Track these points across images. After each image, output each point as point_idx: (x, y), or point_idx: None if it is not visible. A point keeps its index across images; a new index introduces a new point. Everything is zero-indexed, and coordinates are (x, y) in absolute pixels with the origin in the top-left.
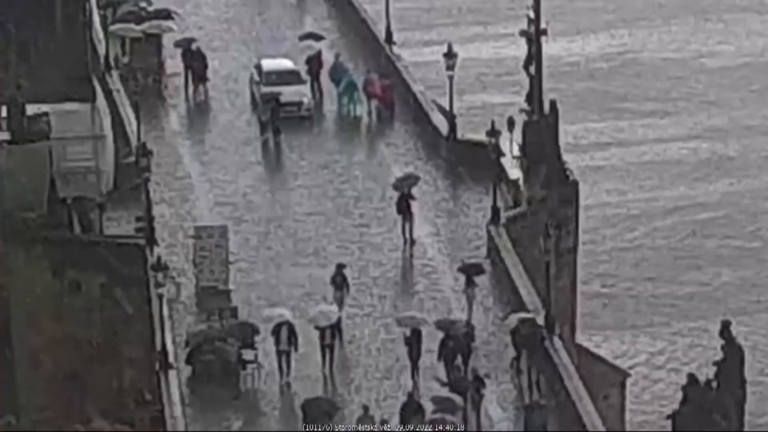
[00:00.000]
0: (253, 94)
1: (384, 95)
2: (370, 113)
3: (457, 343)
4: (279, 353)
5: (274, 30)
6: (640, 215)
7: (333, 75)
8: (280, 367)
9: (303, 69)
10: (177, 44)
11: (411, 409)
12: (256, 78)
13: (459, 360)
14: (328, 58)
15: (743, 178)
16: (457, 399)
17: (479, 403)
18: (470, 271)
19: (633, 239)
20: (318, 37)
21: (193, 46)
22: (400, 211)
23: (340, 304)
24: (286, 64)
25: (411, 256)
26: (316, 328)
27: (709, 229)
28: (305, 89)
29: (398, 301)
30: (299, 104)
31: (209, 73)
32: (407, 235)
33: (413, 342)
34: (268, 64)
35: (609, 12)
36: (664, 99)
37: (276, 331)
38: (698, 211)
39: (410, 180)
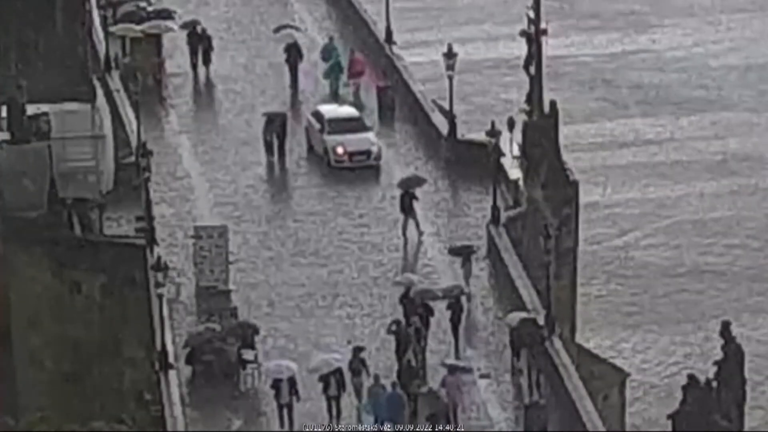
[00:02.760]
0: (310, 144)
1: (372, 76)
2: (356, 94)
3: (453, 312)
4: (280, 406)
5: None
6: (643, 214)
7: (324, 56)
8: (281, 419)
9: (282, 58)
10: (183, 26)
11: (408, 375)
12: (317, 126)
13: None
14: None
15: (750, 177)
16: (466, 364)
17: (422, 356)
18: (463, 251)
19: (634, 239)
20: (295, 29)
21: (198, 29)
22: (402, 209)
23: (359, 391)
24: (347, 110)
25: (416, 254)
26: (320, 378)
27: (713, 229)
28: (372, 136)
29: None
30: (368, 153)
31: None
32: (407, 235)
33: (407, 304)
34: (328, 111)
35: (617, 11)
36: (673, 98)
37: (276, 385)
38: (702, 211)
39: (415, 180)
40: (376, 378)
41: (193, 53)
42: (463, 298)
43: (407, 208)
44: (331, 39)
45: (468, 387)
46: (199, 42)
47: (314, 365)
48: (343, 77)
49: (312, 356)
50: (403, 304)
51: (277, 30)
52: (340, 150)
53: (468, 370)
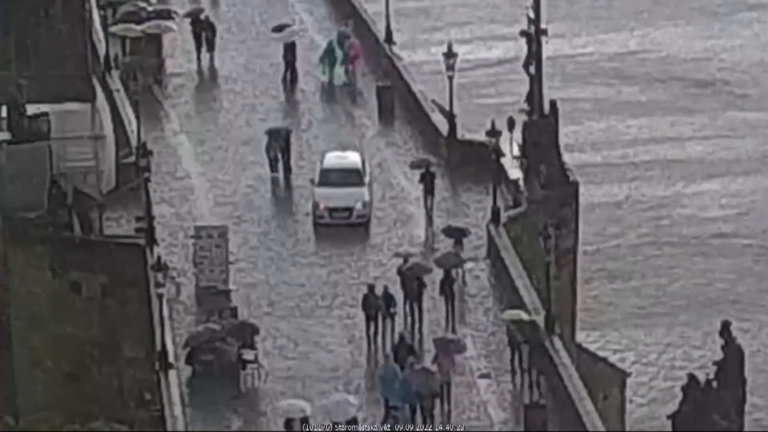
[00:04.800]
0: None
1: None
2: (349, 80)
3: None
4: None
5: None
6: (643, 214)
7: (338, 41)
8: None
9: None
10: (187, 14)
11: (404, 350)
12: (316, 177)
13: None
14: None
15: (758, 176)
16: (458, 338)
17: (393, 320)
18: (455, 234)
19: (634, 238)
20: (291, 26)
21: (202, 16)
22: (425, 185)
23: None
24: (350, 160)
25: (432, 227)
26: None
27: (714, 228)
28: (363, 192)
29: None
30: (350, 210)
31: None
32: (428, 209)
33: (407, 278)
34: (330, 159)
35: (622, 11)
36: (677, 98)
37: (288, 425)
38: (703, 210)
39: (426, 161)
40: (387, 358)
41: (197, 40)
42: (455, 271)
43: (428, 186)
44: (346, 25)
45: (459, 361)
46: (203, 29)
47: (330, 407)
48: (341, 69)
49: (328, 395)
50: (401, 275)
51: (276, 29)
52: (321, 205)
53: (461, 346)
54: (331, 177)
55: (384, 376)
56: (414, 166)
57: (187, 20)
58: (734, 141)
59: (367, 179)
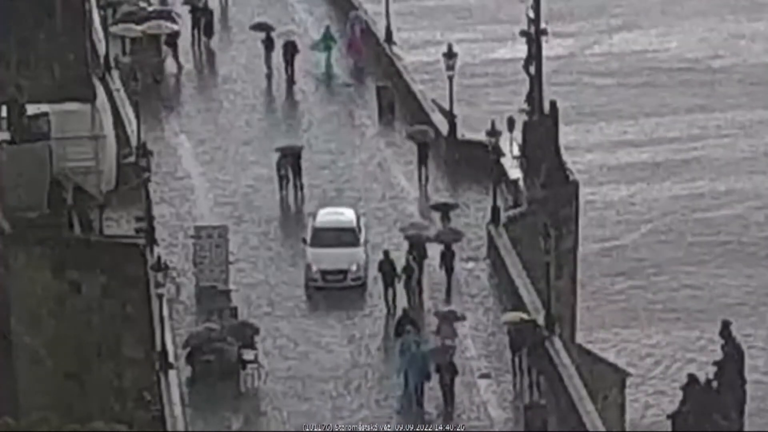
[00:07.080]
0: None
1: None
2: (349, 79)
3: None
4: None
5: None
6: (642, 214)
7: (352, 24)
8: None
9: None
10: (185, 1)
11: (406, 323)
12: (308, 237)
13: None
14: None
15: (749, 177)
16: (458, 310)
17: (419, 280)
18: (442, 208)
19: (634, 239)
20: (269, 27)
21: (200, 3)
22: (419, 158)
23: None
24: (344, 217)
25: (425, 193)
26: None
27: (712, 228)
28: (358, 252)
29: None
30: (345, 273)
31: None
32: (423, 176)
33: (415, 245)
34: (323, 217)
35: (622, 12)
36: (673, 99)
37: None
38: (701, 210)
39: (424, 132)
40: (409, 332)
41: (195, 26)
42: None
43: (423, 158)
44: (358, 7)
45: (459, 332)
46: (203, 15)
47: None
48: (335, 67)
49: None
50: (410, 242)
51: (255, 28)
52: (313, 267)
53: (460, 315)
54: (324, 237)
55: (402, 349)
56: (410, 137)
57: (187, 8)
58: (746, 140)
59: (362, 238)
